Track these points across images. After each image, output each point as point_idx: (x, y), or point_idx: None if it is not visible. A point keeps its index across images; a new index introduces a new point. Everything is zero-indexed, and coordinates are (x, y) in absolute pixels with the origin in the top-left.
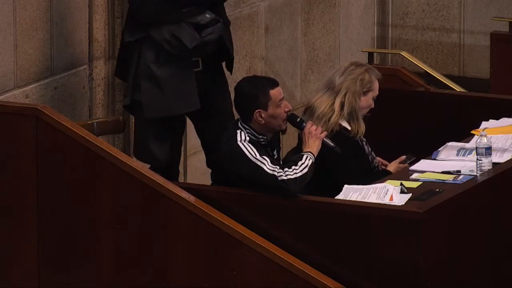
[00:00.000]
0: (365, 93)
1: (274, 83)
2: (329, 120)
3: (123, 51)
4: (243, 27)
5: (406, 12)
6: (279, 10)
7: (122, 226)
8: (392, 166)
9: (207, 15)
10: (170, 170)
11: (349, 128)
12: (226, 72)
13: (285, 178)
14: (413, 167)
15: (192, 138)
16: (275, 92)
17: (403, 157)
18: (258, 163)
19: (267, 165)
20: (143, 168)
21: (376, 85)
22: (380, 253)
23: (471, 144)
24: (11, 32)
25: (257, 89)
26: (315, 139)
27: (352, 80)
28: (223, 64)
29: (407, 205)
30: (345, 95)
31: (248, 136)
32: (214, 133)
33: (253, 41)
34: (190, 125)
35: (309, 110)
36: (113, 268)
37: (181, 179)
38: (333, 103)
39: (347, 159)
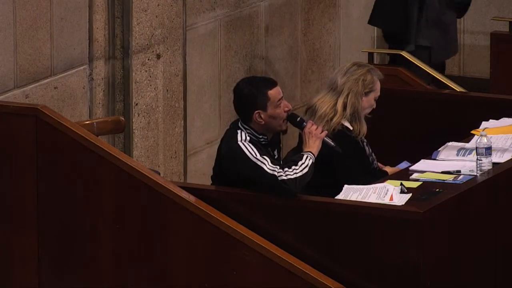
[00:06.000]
0: (367, 94)
1: (272, 83)
2: (331, 120)
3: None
4: (243, 27)
5: None
6: (279, 10)
7: (122, 226)
8: (389, 169)
9: None
10: None
11: (351, 128)
12: None
13: (285, 178)
14: (413, 167)
15: (192, 138)
16: (273, 92)
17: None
18: (258, 163)
19: (267, 165)
20: (143, 168)
21: (378, 85)
22: (380, 253)
23: (471, 144)
24: (11, 32)
25: (255, 90)
26: (315, 139)
27: (354, 80)
28: None
29: (407, 205)
30: (347, 95)
31: (248, 136)
32: None
33: (253, 41)
34: (190, 125)
35: (311, 110)
36: (113, 268)
37: (181, 179)
38: (335, 103)
39: (347, 158)
